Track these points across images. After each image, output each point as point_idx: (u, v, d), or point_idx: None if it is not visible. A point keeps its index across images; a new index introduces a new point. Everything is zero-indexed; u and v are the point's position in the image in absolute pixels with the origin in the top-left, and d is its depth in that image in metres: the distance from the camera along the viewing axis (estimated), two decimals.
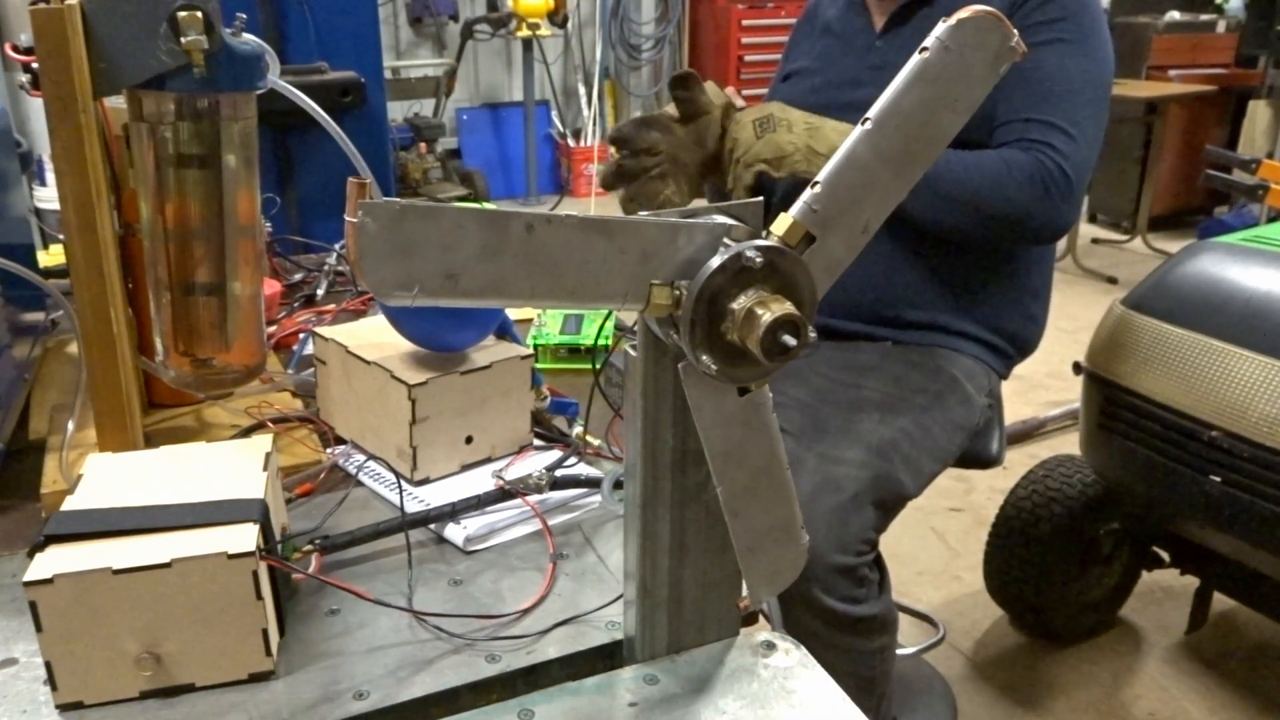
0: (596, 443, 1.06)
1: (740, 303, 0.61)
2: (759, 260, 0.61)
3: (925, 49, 0.63)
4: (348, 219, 0.55)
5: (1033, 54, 1.30)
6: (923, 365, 1.48)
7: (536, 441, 1.07)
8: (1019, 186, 1.32)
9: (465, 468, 1.02)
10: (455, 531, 0.91)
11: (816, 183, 0.63)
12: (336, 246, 1.71)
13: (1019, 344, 1.60)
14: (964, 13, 0.62)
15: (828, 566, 1.27)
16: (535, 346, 1.29)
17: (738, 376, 0.64)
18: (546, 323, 1.35)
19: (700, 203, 1.04)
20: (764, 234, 0.63)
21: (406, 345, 1.02)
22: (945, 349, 1.51)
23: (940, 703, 1.96)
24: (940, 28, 0.62)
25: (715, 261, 0.61)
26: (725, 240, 0.62)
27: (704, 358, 0.62)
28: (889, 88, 0.63)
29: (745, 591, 0.75)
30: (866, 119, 0.63)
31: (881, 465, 1.33)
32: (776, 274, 0.62)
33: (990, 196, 1.33)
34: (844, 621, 1.29)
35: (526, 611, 0.81)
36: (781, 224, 0.63)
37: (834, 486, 1.29)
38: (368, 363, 1.00)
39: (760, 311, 0.60)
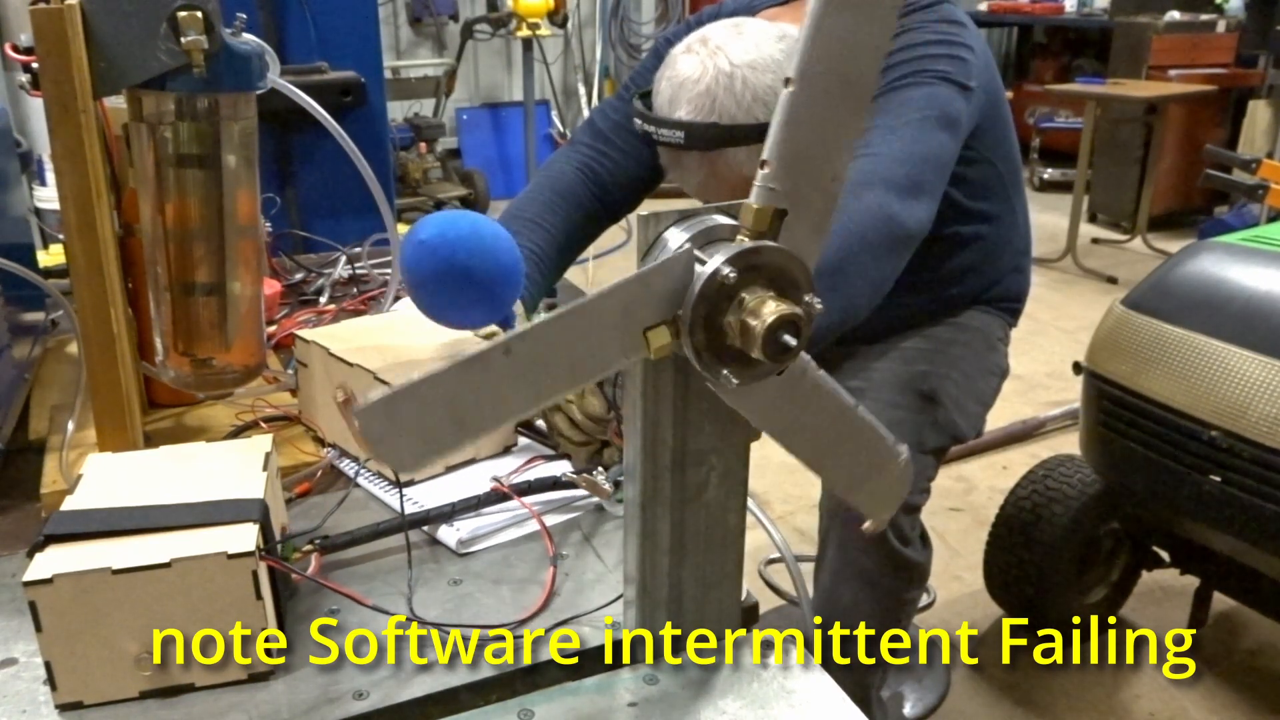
0: None
1: (731, 318, 0.61)
2: (733, 276, 0.61)
3: None
4: (350, 425, 0.58)
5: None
6: (949, 323, 1.54)
7: (523, 441, 1.08)
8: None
9: (450, 469, 1.02)
10: (448, 534, 0.91)
11: (764, 161, 0.61)
12: (341, 255, 1.71)
13: (1018, 298, 1.64)
14: None
15: (900, 505, 1.31)
16: None
17: (761, 374, 0.64)
18: None
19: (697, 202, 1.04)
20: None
21: (390, 347, 1.02)
22: (960, 310, 1.56)
23: (929, 676, 1.99)
24: None
25: (696, 290, 0.61)
26: (699, 256, 0.62)
27: (724, 372, 0.63)
28: (800, 35, 0.60)
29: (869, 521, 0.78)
30: (788, 79, 0.60)
31: (937, 410, 1.39)
32: (760, 269, 0.62)
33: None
34: (897, 562, 1.36)
35: (524, 622, 0.81)
36: (747, 215, 0.62)
37: (898, 429, 1.32)
38: (351, 365, 0.99)
39: (753, 323, 0.60)
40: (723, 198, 1.36)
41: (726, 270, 0.60)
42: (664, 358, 0.64)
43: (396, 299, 1.31)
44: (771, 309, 0.60)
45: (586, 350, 0.61)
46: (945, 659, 2.05)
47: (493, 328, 1.05)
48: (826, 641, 1.40)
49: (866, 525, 0.77)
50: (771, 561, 2.30)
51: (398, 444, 0.58)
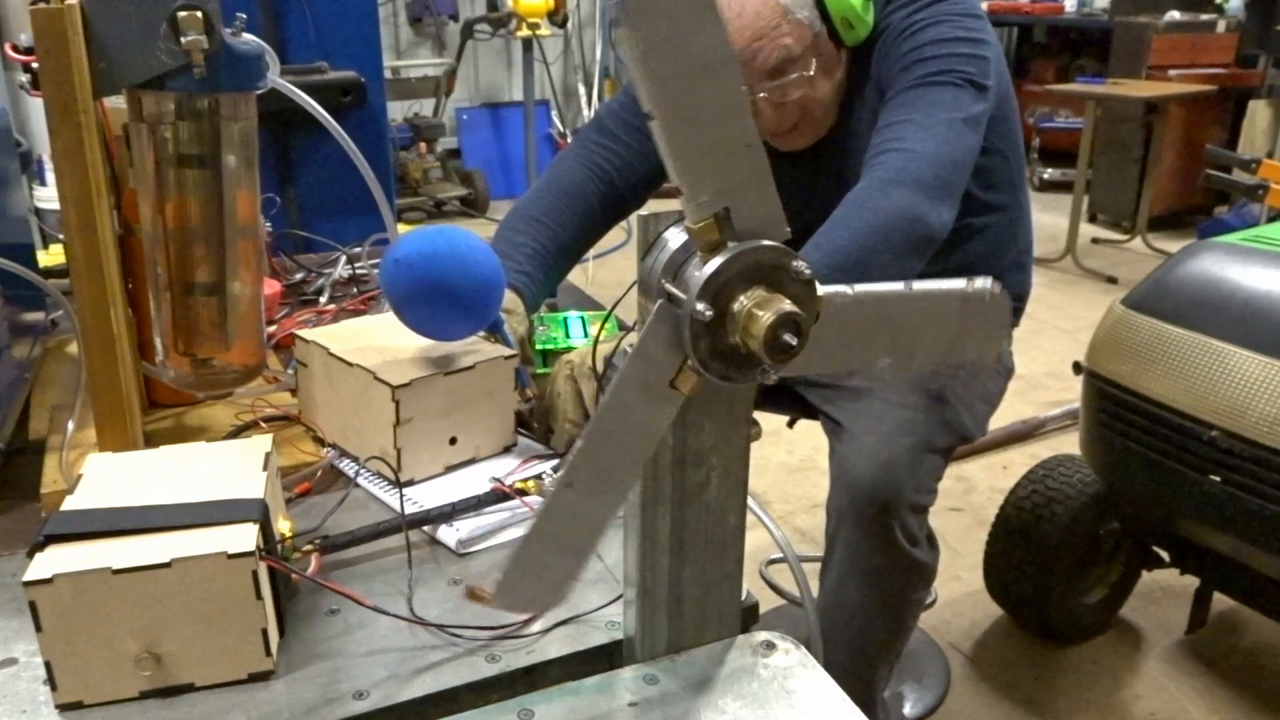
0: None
1: (732, 340, 0.61)
2: (708, 313, 0.60)
3: None
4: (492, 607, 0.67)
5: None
6: None
7: (523, 442, 1.08)
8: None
9: (449, 469, 1.02)
10: (448, 534, 0.91)
11: (678, 189, 0.60)
12: (341, 255, 1.71)
13: (1020, 296, 1.65)
14: None
15: (908, 505, 1.33)
16: (541, 352, 1.29)
17: (795, 351, 0.63)
18: (550, 326, 1.34)
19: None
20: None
21: (389, 347, 1.02)
22: None
23: (931, 664, 2.01)
24: None
25: (688, 335, 0.61)
26: (674, 294, 0.62)
27: (760, 370, 0.63)
28: (631, 69, 0.58)
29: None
30: (647, 113, 0.58)
31: (945, 409, 1.39)
32: (733, 281, 0.61)
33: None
34: (905, 563, 1.36)
35: (529, 621, 0.81)
36: (695, 239, 0.61)
37: (907, 429, 1.34)
38: (350, 365, 1.00)
39: (750, 342, 0.60)
40: (790, 120, 1.37)
41: (701, 308, 0.60)
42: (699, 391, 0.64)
43: None
44: (760, 323, 0.59)
45: (634, 436, 0.63)
46: (945, 659, 2.05)
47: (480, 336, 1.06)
48: (830, 641, 1.40)
49: (992, 361, 0.74)
50: (772, 561, 2.30)
51: (538, 596, 0.66)
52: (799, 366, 0.65)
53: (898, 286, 0.68)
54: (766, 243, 0.61)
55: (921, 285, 0.68)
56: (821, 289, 0.64)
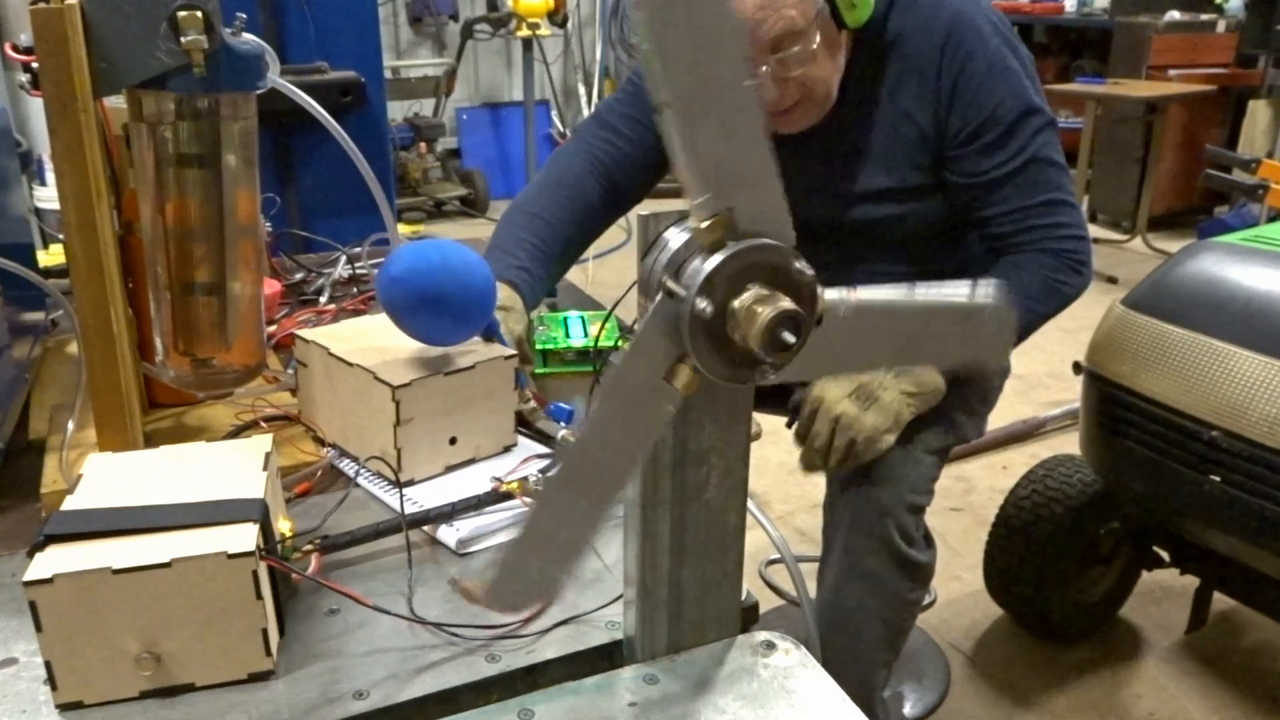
0: None
1: (732, 336, 0.61)
2: (708, 309, 0.60)
3: None
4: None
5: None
6: None
7: (524, 442, 1.08)
8: (1066, 285, 1.37)
9: (450, 469, 1.02)
10: (447, 534, 0.91)
11: (684, 188, 0.60)
12: (341, 255, 1.71)
13: None
14: None
15: (905, 506, 1.33)
16: (541, 352, 1.29)
17: (795, 350, 0.63)
18: (550, 326, 1.34)
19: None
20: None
21: (389, 347, 1.02)
22: None
23: (931, 664, 2.01)
24: None
25: (686, 329, 0.61)
26: (674, 290, 0.62)
27: (759, 370, 0.63)
28: (654, 64, 0.58)
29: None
30: (661, 103, 0.59)
31: (940, 411, 1.39)
32: (735, 277, 0.61)
33: (1048, 307, 1.38)
34: (902, 562, 1.36)
35: (528, 620, 0.81)
36: (699, 237, 0.61)
37: (905, 431, 1.34)
38: (350, 365, 1.00)
39: (749, 337, 0.60)
40: (791, 97, 1.37)
41: (701, 304, 0.60)
42: (696, 389, 0.64)
43: None
44: (759, 320, 0.59)
45: (630, 434, 0.63)
46: (945, 659, 2.05)
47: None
48: (829, 641, 1.40)
49: (993, 369, 0.75)
50: (772, 562, 2.30)
51: (529, 596, 0.69)
52: (799, 371, 0.65)
53: (900, 294, 0.67)
54: (770, 242, 0.61)
55: (925, 295, 0.68)
56: (826, 294, 0.64)
